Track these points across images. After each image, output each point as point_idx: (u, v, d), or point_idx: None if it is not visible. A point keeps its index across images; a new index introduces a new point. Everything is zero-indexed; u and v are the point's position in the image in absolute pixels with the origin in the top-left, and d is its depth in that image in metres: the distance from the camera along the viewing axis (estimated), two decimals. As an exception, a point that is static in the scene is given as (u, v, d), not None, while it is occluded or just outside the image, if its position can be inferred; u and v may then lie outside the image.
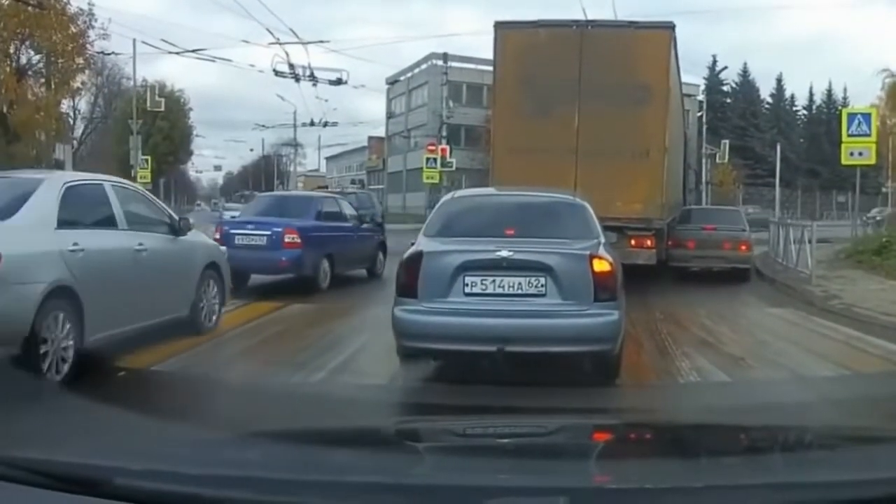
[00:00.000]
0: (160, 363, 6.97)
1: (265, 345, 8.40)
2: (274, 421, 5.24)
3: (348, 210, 14.09)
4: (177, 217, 8.33)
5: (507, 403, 5.34)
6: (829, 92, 71.19)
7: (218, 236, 11.20)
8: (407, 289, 6.15)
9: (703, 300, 11.81)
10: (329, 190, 22.36)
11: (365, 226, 14.39)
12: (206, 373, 6.91)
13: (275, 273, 12.00)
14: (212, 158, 69.20)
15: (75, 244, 6.32)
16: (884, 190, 47.07)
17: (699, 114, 43.40)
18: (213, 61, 27.92)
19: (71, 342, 6.04)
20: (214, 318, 8.45)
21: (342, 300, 11.39)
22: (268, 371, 7.17)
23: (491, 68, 12.92)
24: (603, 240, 6.58)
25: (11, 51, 26.05)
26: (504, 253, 6.00)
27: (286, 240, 11.62)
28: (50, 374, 5.82)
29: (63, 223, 6.40)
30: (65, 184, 6.76)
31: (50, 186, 6.59)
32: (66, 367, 5.98)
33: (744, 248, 14.95)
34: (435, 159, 33.55)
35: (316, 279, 11.90)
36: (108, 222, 7.03)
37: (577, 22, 12.63)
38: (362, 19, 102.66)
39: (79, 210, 6.71)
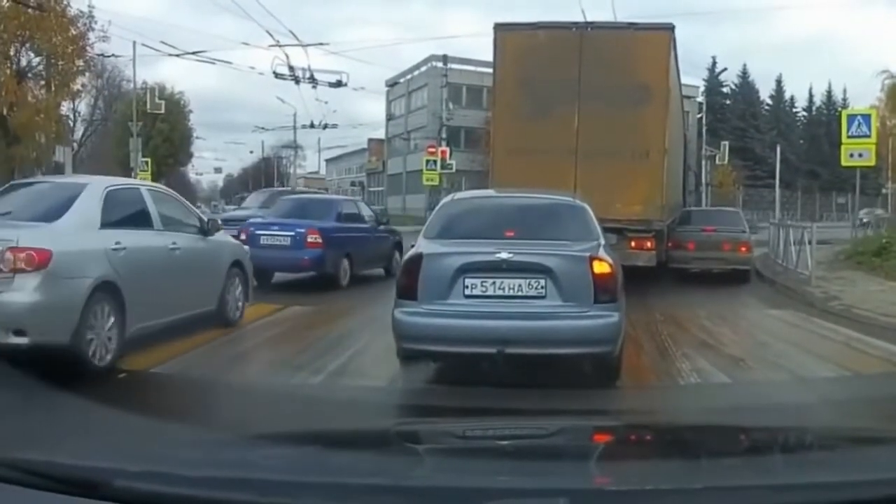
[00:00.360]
0: (161, 365, 6.98)
1: (265, 345, 8.41)
2: (274, 423, 5.24)
3: (366, 212, 15.13)
4: (205, 218, 9.04)
5: (508, 405, 5.35)
6: (829, 93, 71.44)
7: (243, 237, 11.69)
8: (407, 291, 6.15)
9: (703, 301, 11.81)
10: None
11: (382, 227, 15.09)
12: (205, 374, 6.91)
13: (297, 271, 12.65)
14: (212, 160, 69.03)
15: (117, 243, 6.86)
16: (884, 191, 47.07)
17: (699, 115, 43.41)
18: (213, 63, 27.95)
19: (114, 333, 6.59)
20: (239, 311, 9.02)
21: (344, 300, 11.40)
22: (268, 372, 7.17)
23: (491, 70, 12.93)
24: (603, 241, 6.57)
25: (11, 53, 26.04)
26: (504, 255, 6.00)
27: (309, 240, 12.30)
28: (95, 361, 6.36)
29: (105, 224, 6.95)
30: (106, 188, 7.31)
31: (93, 190, 7.14)
32: (109, 357, 6.53)
33: (743, 249, 14.95)
34: (435, 161, 33.56)
35: (336, 277, 12.65)
36: (145, 223, 7.57)
37: (576, 23, 12.63)
38: (362, 21, 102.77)
39: (119, 212, 7.22)
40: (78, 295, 6.24)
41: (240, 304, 9.01)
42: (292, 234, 12.39)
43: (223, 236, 9.14)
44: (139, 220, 7.52)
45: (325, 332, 8.89)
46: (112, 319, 6.58)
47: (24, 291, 5.96)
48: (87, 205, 6.92)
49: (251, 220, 13.57)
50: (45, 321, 6.01)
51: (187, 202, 9.03)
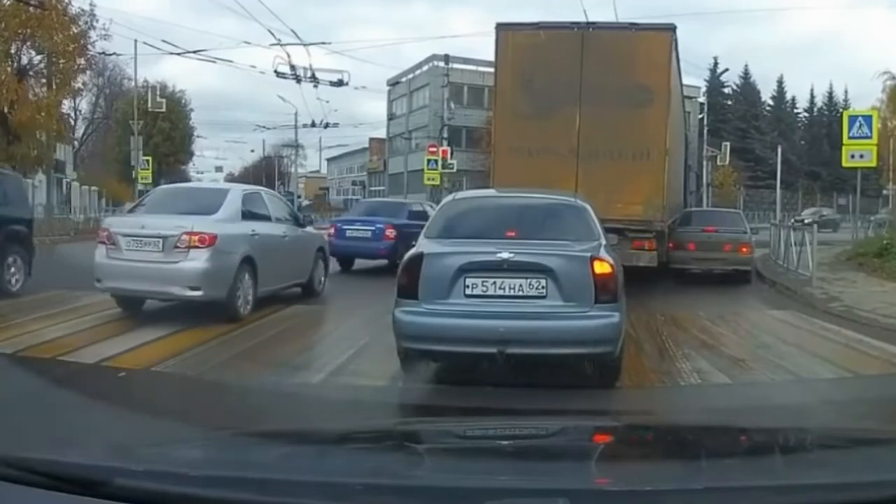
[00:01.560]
0: (161, 364, 6.98)
1: (265, 345, 8.40)
2: (274, 422, 5.24)
3: (431, 211, 16.81)
4: (301, 215, 12.57)
5: (508, 405, 5.34)
6: (830, 94, 71.34)
7: (332, 230, 15.48)
8: (407, 290, 6.14)
9: (704, 302, 11.80)
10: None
11: None
12: (206, 373, 6.91)
13: (374, 258, 15.33)
14: (213, 159, 69.00)
15: (253, 230, 9.61)
16: (885, 192, 47.01)
17: (700, 116, 43.39)
18: (214, 62, 27.97)
19: (251, 293, 9.30)
20: (321, 285, 11.70)
21: (344, 301, 11.41)
22: (268, 372, 7.17)
23: (492, 70, 12.94)
24: (604, 241, 6.56)
25: (13, 51, 26.04)
26: (505, 255, 6.00)
27: (386, 233, 15.24)
28: (240, 311, 9.01)
29: (244, 217, 9.65)
30: (242, 191, 10.35)
31: (234, 193, 10.05)
32: (248, 308, 9.22)
33: (744, 250, 14.94)
34: (436, 161, 33.55)
35: None
36: (266, 217, 10.23)
37: (577, 24, 12.62)
38: (364, 21, 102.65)
39: (250, 208, 9.91)
40: (232, 264, 8.92)
41: (322, 279, 11.73)
42: (373, 228, 15.42)
43: (312, 229, 12.53)
44: (262, 214, 10.13)
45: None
46: (250, 283, 9.25)
47: (198, 261, 8.62)
48: (233, 203, 9.59)
49: (339, 217, 18.11)
50: (212, 281, 8.65)
51: (288, 203, 12.01)
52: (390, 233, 15.16)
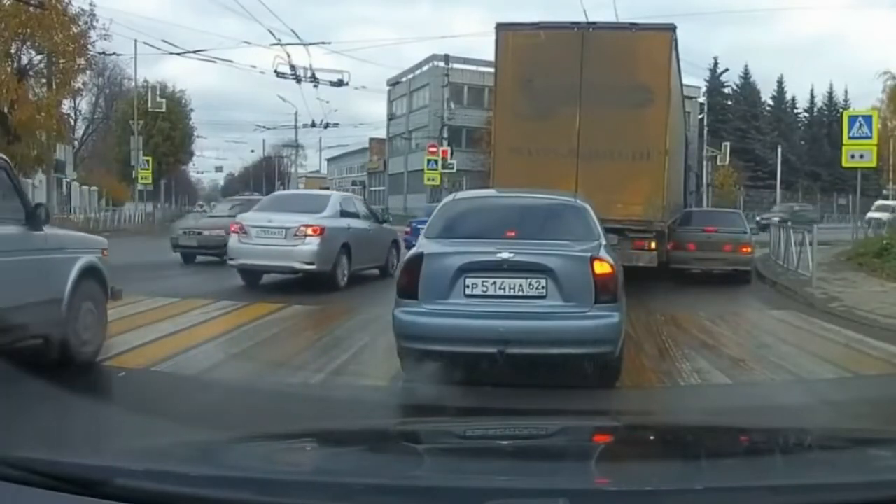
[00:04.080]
0: (161, 364, 6.98)
1: (266, 345, 8.41)
2: (274, 422, 5.24)
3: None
4: (381, 214, 15.94)
5: (508, 405, 5.35)
6: (830, 94, 71.27)
7: (408, 229, 18.09)
8: (407, 290, 6.14)
9: (704, 302, 11.81)
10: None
11: None
12: (206, 374, 6.91)
13: None
14: (213, 159, 69.37)
15: (348, 225, 12.97)
16: (884, 192, 47.02)
17: (700, 116, 43.40)
18: (214, 62, 28.01)
19: (346, 270, 12.61)
20: (394, 269, 12.92)
21: (344, 301, 11.41)
22: (268, 372, 7.17)
23: (492, 70, 12.94)
24: (604, 242, 6.55)
25: (13, 51, 26.06)
26: (505, 255, 5.99)
27: None
28: (340, 283, 12.37)
29: (342, 214, 13.09)
30: (340, 196, 14.71)
31: (335, 197, 14.27)
32: (344, 280, 12.53)
33: (745, 250, 14.95)
34: (436, 161, 33.58)
35: None
36: (356, 215, 13.70)
37: (578, 24, 12.62)
38: (364, 21, 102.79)
39: (346, 208, 13.45)
40: (335, 248, 12.32)
41: (395, 263, 13.53)
42: None
43: (389, 226, 15.51)
44: (354, 213, 13.63)
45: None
46: (346, 262, 12.59)
47: (312, 245, 12.00)
48: (334, 205, 13.11)
49: (415, 219, 20.62)
50: (321, 259, 12.02)
51: (369, 204, 16.17)
52: None
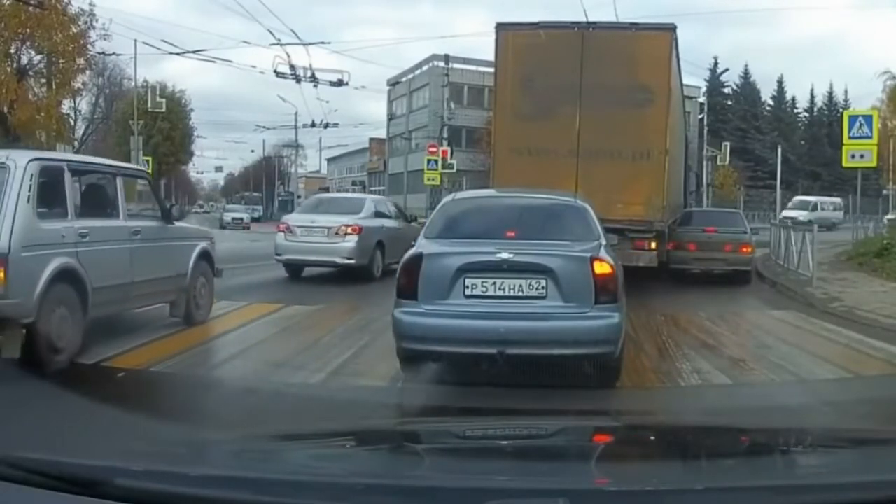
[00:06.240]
0: (161, 364, 6.98)
1: (265, 345, 8.41)
2: (274, 422, 5.24)
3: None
4: (409, 215, 17.40)
5: (508, 405, 5.35)
6: (831, 94, 71.25)
7: None
8: (407, 290, 6.14)
9: (704, 302, 11.80)
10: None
11: None
12: (206, 374, 6.91)
13: None
14: (213, 159, 69.35)
15: (382, 224, 14.51)
16: (885, 192, 47.02)
17: (700, 116, 43.40)
18: (214, 62, 27.94)
19: (380, 263, 13.96)
20: None
21: (344, 302, 11.42)
22: (268, 372, 7.17)
23: (492, 70, 12.94)
24: (604, 242, 6.55)
25: (12, 51, 26.00)
26: (504, 255, 5.99)
27: None
28: (375, 274, 13.77)
29: (376, 215, 14.68)
30: (374, 199, 16.35)
31: (370, 200, 15.82)
32: (379, 272, 13.77)
33: (745, 250, 14.93)
34: (436, 161, 33.52)
35: None
36: (388, 216, 15.27)
37: (578, 23, 12.61)
38: (363, 21, 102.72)
39: (379, 210, 15.12)
40: (371, 245, 13.75)
41: None
42: None
43: (417, 224, 15.43)
44: (386, 214, 15.30)
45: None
46: (380, 258, 13.92)
47: (351, 242, 13.49)
48: (369, 207, 14.79)
49: None
50: (359, 254, 13.50)
51: (400, 207, 17.65)
52: None
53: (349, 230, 13.58)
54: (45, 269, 6.36)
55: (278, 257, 14.02)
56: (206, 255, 9.17)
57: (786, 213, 30.17)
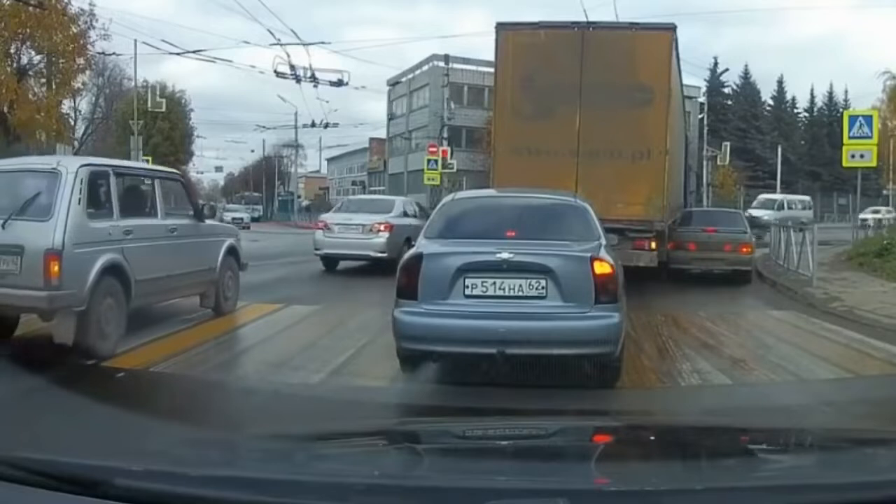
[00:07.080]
0: (161, 364, 6.98)
1: (265, 345, 8.41)
2: (274, 422, 5.24)
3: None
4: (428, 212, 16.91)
5: (508, 405, 5.34)
6: (831, 94, 71.21)
7: None
8: (407, 290, 6.14)
9: (704, 302, 11.79)
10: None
11: None
12: (206, 374, 6.91)
13: None
14: (213, 159, 69.33)
15: (409, 223, 15.38)
16: (885, 192, 47.02)
17: (700, 116, 43.42)
18: (214, 62, 27.98)
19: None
20: None
21: (343, 302, 11.42)
22: (268, 372, 7.17)
23: (492, 70, 12.93)
24: (604, 241, 6.54)
25: (12, 51, 26.02)
26: (504, 255, 5.99)
27: None
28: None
29: (404, 214, 16.14)
30: (403, 200, 17.79)
31: (399, 201, 17.30)
32: None
33: (745, 250, 14.93)
34: (436, 161, 33.51)
35: None
36: (414, 215, 16.37)
37: (578, 23, 12.61)
38: (363, 21, 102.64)
39: (407, 210, 16.56)
40: (401, 241, 14.07)
41: None
42: None
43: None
44: (412, 213, 16.54)
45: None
46: (407, 251, 14.87)
47: (383, 238, 14.95)
48: (399, 207, 16.39)
49: None
50: (391, 249, 14.37)
51: (422, 206, 18.76)
52: None
53: (382, 227, 15.19)
54: (94, 264, 7.02)
55: (317, 251, 15.60)
56: (233, 251, 9.88)
57: (750, 211, 27.65)
